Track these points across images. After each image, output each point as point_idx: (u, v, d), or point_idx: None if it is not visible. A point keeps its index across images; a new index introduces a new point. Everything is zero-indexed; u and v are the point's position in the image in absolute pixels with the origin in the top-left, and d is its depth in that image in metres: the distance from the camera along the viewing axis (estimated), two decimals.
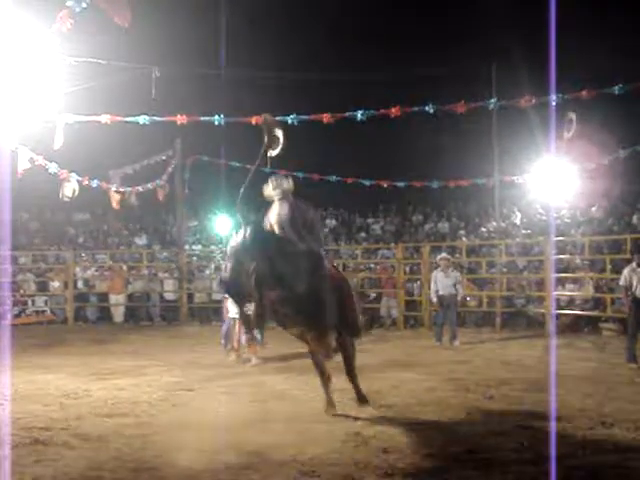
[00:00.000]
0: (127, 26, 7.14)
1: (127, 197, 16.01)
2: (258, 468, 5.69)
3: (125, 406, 8.14)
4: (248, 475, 5.54)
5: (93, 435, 6.74)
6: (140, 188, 16.64)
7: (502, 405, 8.07)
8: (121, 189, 15.70)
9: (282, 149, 6.48)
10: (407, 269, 18.55)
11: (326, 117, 10.93)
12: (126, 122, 9.74)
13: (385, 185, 17.22)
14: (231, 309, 11.60)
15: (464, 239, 21.00)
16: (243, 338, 11.58)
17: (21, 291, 20.00)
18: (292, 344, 9.55)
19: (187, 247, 21.64)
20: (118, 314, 20.04)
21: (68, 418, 7.46)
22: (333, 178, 18.09)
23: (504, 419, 7.33)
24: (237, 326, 11.64)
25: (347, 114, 10.84)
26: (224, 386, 9.40)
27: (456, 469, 5.67)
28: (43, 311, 20.25)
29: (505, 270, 17.86)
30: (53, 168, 11.51)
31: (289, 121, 10.62)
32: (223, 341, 12.45)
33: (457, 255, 18.64)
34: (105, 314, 20.18)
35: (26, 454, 6.17)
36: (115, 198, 15.03)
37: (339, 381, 7.80)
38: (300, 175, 17.96)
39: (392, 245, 20.20)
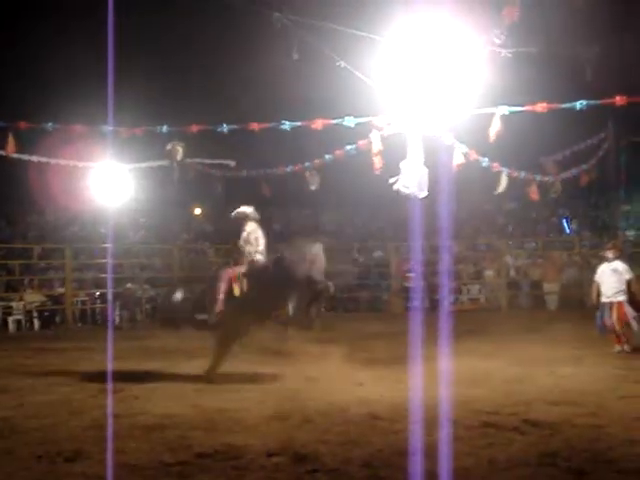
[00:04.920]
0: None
1: (553, 185, 15.77)
2: None
3: (571, 394, 8.05)
4: None
5: (543, 422, 6.77)
6: (564, 175, 16.30)
7: None
8: (545, 178, 15.51)
9: None
10: None
11: None
12: (562, 109, 9.63)
13: None
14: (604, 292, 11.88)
15: None
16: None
17: (459, 280, 20.92)
18: None
19: (620, 233, 20.68)
20: (551, 302, 19.97)
21: (516, 403, 7.60)
22: None
23: None
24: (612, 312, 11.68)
25: None
26: None
27: None
28: (477, 299, 21.02)
29: None
30: (485, 162, 11.85)
31: None
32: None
33: None
34: (538, 302, 20.24)
35: (478, 436, 6.41)
36: (534, 190, 14.85)
37: None
38: None
39: None
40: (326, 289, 10.15)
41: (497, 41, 8.17)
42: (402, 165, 9.52)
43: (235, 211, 10.26)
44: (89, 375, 9.69)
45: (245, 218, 10.19)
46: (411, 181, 9.29)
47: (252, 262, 9.85)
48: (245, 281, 9.82)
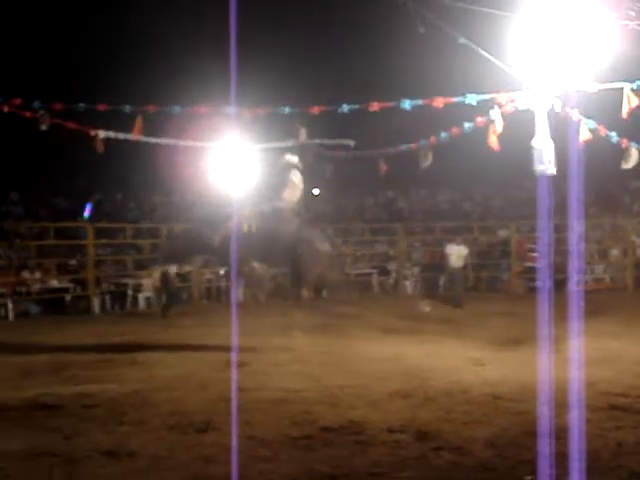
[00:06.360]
0: None
1: None
2: None
3: None
4: None
5: None
6: None
7: None
8: None
9: None
10: None
11: None
12: None
13: None
14: None
15: None
16: None
17: (583, 260, 20.29)
18: None
19: None
20: None
21: None
22: None
23: None
24: None
25: None
26: None
27: None
28: (602, 278, 20.38)
29: None
30: (614, 137, 11.40)
31: None
32: None
33: None
34: None
35: (605, 419, 6.29)
36: None
37: None
38: None
39: None
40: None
41: (631, 14, 7.86)
42: (534, 143, 9.30)
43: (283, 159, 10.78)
44: (216, 350, 10.04)
45: (292, 167, 10.74)
46: (544, 158, 9.09)
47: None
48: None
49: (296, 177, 10.58)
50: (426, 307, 15.57)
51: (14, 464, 5.34)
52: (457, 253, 16.92)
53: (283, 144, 12.13)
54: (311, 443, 5.76)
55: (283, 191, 10.52)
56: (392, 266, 20.89)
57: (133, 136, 11.37)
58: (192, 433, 6.12)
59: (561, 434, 5.58)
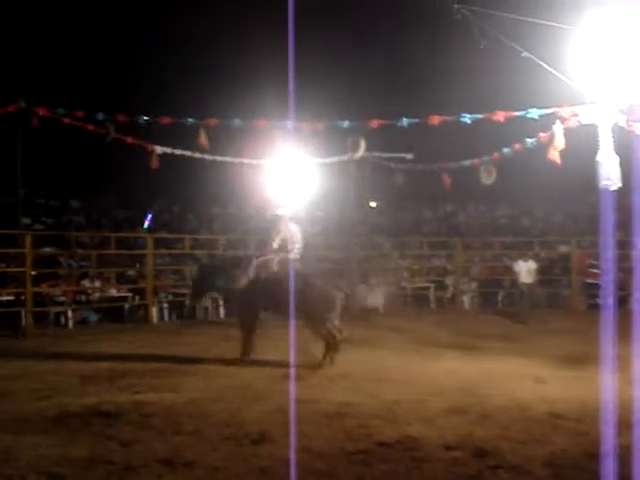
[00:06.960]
0: None
1: None
2: None
3: None
4: None
5: None
6: None
7: None
8: None
9: None
10: None
11: None
12: None
13: None
14: None
15: None
16: None
17: None
18: None
19: None
20: None
21: None
22: None
23: None
24: None
25: None
26: None
27: None
28: None
29: None
30: None
31: None
32: None
33: None
34: None
35: None
36: None
37: None
38: None
39: None
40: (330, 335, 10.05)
41: None
42: (598, 158, 9.13)
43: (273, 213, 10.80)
44: (272, 361, 10.07)
45: (279, 220, 10.56)
46: (609, 173, 8.92)
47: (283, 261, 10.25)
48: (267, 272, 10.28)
49: (284, 226, 10.57)
50: (378, 305, 15.63)
51: (73, 471, 5.43)
52: (527, 269, 16.75)
53: (342, 157, 12.13)
54: (367, 458, 5.72)
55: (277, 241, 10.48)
56: (449, 281, 20.68)
57: (191, 152, 11.52)
58: (248, 444, 6.13)
59: (622, 456, 5.44)
